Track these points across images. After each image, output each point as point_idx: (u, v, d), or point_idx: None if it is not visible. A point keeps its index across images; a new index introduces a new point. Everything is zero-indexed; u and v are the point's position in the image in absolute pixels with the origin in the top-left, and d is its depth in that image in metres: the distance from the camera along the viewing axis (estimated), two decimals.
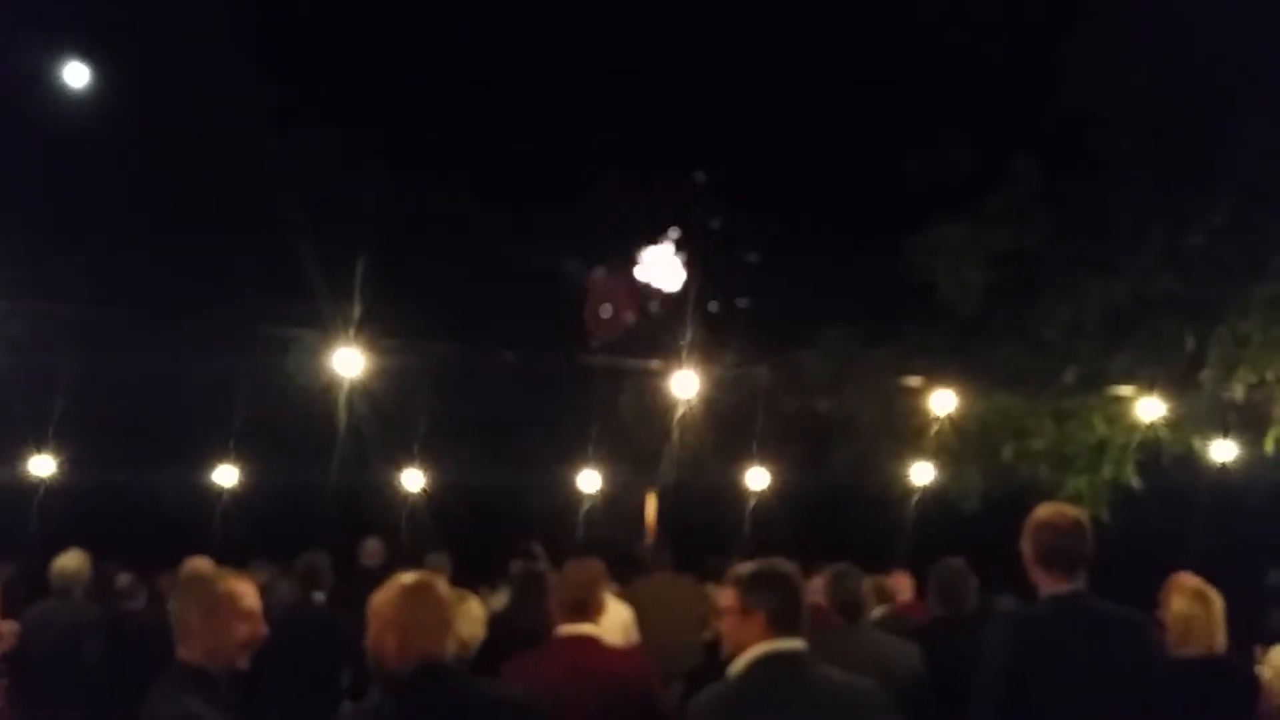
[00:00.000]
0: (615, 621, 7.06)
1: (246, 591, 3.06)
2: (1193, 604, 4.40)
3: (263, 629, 3.07)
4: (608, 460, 11.16)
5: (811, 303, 12.21)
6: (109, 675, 5.90)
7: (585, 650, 3.93)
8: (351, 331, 6.99)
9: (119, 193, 13.59)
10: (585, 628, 3.98)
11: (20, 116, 12.30)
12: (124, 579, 7.85)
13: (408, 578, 3.07)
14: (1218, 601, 4.47)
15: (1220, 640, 4.42)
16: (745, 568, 3.23)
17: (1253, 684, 4.50)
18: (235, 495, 10.68)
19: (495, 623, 5.42)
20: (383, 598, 3.02)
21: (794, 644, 3.07)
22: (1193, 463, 9.47)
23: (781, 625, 3.07)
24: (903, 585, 7.70)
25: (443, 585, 3.13)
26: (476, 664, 4.08)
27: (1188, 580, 4.52)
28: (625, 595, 8.01)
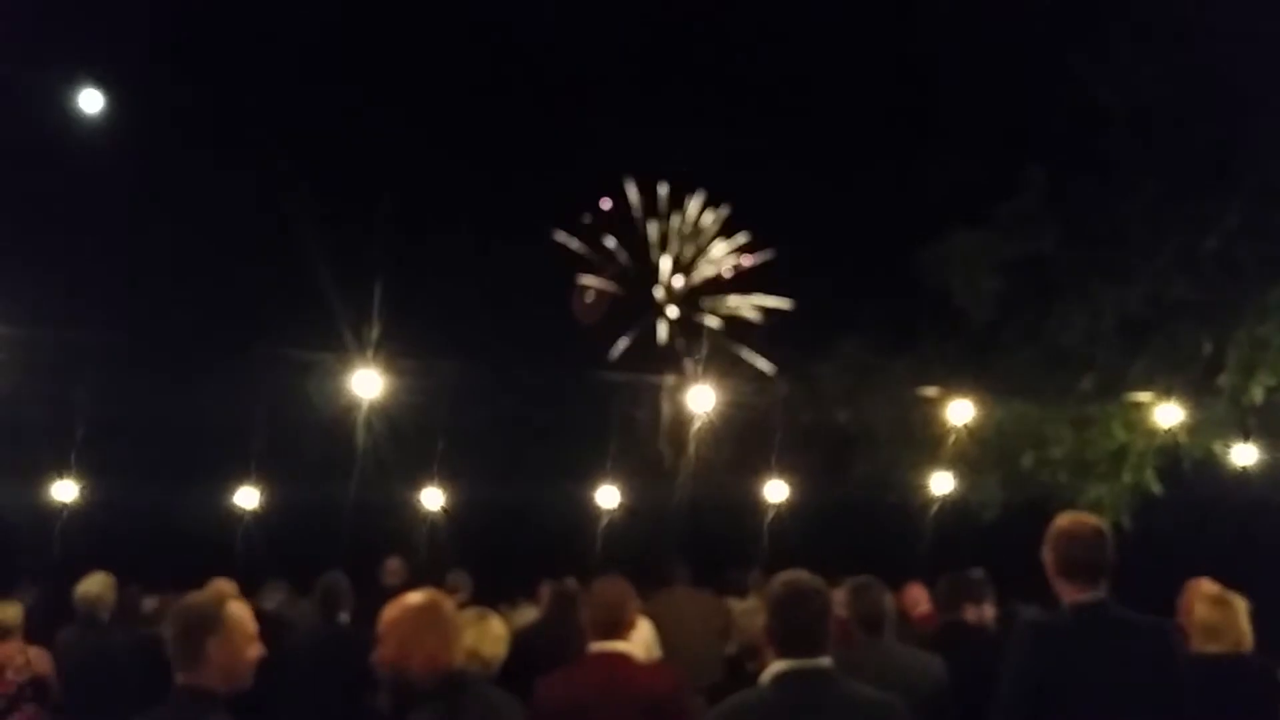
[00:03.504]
0: (637, 637, 7.06)
1: (247, 613, 3.15)
2: (1214, 609, 4.42)
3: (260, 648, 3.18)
4: (626, 475, 11.16)
5: (828, 315, 12.22)
6: (139, 701, 5.92)
7: (617, 667, 3.96)
8: (370, 353, 7.03)
9: (139, 220, 13.72)
10: (618, 645, 4.01)
11: (46, 146, 12.42)
12: (150, 603, 7.88)
13: (413, 597, 3.25)
14: (1240, 603, 4.48)
15: (1246, 641, 4.43)
16: (773, 585, 3.24)
17: (1275, 684, 4.49)
18: (257, 516, 10.74)
19: (524, 639, 5.44)
20: (393, 617, 3.18)
21: (818, 661, 3.07)
22: (1213, 467, 9.43)
23: (800, 643, 3.08)
24: (919, 598, 7.65)
25: (446, 602, 3.30)
26: (504, 680, 4.09)
27: (1207, 586, 4.52)
28: (645, 610, 8.00)
